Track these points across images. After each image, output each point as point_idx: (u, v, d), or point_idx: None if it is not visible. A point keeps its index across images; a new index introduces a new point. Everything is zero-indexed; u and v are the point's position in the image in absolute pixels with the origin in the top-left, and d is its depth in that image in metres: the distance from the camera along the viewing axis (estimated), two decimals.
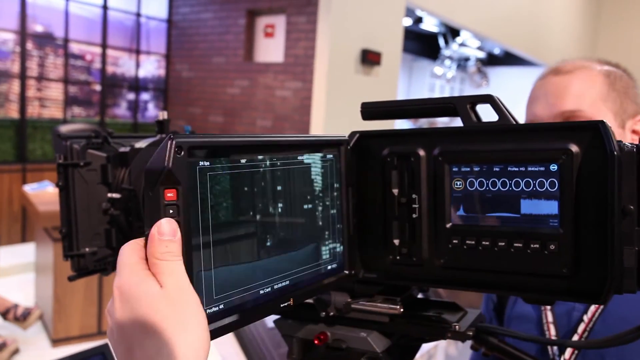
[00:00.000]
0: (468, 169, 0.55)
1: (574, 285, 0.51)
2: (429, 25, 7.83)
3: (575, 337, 0.84)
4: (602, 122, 0.49)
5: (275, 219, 0.51)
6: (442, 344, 2.26)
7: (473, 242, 0.55)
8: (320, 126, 4.80)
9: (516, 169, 0.53)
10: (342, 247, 0.59)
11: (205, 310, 0.43)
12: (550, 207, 0.52)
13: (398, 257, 0.59)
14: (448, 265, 0.57)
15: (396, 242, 0.59)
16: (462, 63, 9.36)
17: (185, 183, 0.42)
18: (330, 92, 4.82)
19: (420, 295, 0.70)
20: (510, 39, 7.97)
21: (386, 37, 5.31)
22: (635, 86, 0.97)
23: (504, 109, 0.55)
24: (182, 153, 0.41)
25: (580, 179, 0.50)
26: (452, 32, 8.47)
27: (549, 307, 0.89)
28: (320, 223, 0.57)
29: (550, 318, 0.88)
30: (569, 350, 0.83)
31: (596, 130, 0.49)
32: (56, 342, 3.07)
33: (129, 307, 0.38)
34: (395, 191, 0.59)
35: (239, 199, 0.47)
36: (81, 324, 3.18)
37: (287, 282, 0.52)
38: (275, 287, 0.51)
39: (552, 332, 0.86)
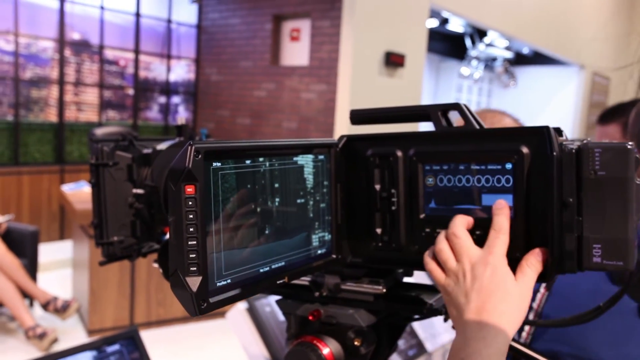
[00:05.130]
0: (438, 167, 0.64)
1: None
2: (456, 25, 7.81)
3: (530, 316, 0.96)
4: (546, 127, 0.57)
5: (273, 211, 0.61)
6: None
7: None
8: (344, 128, 4.88)
9: (478, 167, 0.61)
10: (330, 235, 0.68)
11: (216, 283, 0.53)
12: (506, 200, 0.60)
13: (380, 244, 0.68)
14: (422, 251, 0.65)
15: (378, 231, 0.68)
16: (489, 63, 9.28)
17: (201, 180, 0.51)
18: (354, 94, 4.90)
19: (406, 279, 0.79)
20: (539, 39, 7.87)
21: (410, 39, 5.36)
22: None
23: (469, 115, 0.64)
24: (199, 156, 0.51)
25: (530, 176, 0.58)
26: (480, 33, 8.42)
27: None
28: (311, 215, 0.66)
29: None
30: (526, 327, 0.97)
31: (542, 135, 0.57)
32: (91, 332, 3.25)
33: (497, 280, 0.57)
34: (378, 187, 0.68)
35: (243, 193, 0.56)
36: (115, 316, 3.36)
37: (283, 263, 0.62)
38: (273, 266, 0.60)
39: None
